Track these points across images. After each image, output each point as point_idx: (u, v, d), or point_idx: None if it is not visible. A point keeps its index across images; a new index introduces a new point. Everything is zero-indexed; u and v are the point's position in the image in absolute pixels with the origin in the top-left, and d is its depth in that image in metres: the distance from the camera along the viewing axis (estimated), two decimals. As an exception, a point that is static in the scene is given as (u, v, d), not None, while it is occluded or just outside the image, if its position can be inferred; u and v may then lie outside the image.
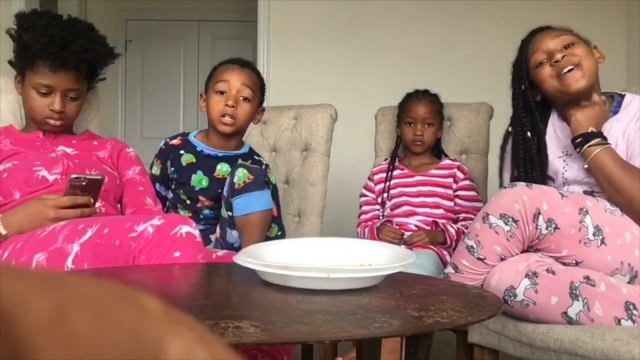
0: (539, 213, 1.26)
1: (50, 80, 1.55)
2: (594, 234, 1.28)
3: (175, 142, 1.76)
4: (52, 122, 1.58)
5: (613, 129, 1.44)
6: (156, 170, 1.76)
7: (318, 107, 2.09)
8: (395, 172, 2.00)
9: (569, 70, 1.44)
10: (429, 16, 3.27)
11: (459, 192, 1.94)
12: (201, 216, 1.69)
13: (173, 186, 1.73)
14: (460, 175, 1.94)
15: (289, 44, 3.29)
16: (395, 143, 2.08)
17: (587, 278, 1.24)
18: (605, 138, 1.39)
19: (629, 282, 1.30)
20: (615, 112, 1.48)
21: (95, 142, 1.69)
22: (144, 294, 0.26)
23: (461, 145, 2.09)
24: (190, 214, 1.68)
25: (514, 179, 1.57)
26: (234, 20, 4.78)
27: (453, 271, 1.35)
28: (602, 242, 1.29)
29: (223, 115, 1.65)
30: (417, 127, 1.95)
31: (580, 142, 1.40)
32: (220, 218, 1.64)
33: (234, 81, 1.66)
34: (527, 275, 1.24)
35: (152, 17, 4.86)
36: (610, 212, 1.34)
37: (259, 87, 1.72)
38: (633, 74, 3.10)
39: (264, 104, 1.82)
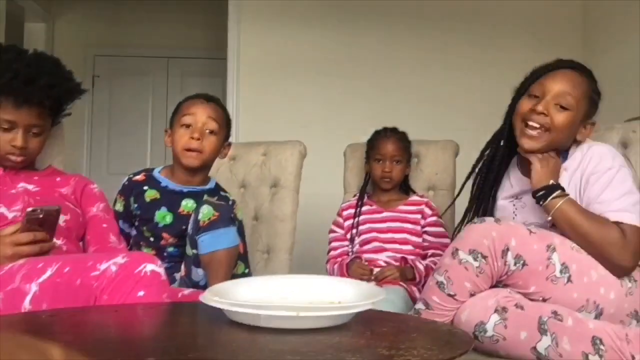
0: (508, 249, 1.27)
1: (12, 115, 1.51)
2: (561, 272, 1.30)
3: (138, 177, 1.73)
4: (13, 158, 1.54)
5: (562, 177, 1.45)
6: (119, 207, 1.72)
7: (287, 143, 2.10)
8: (364, 208, 2.01)
9: (535, 128, 1.43)
10: (398, 55, 3.35)
11: (427, 228, 1.95)
12: (165, 254, 1.65)
13: (136, 223, 1.70)
14: (428, 211, 1.96)
15: (259, 81, 3.32)
16: (364, 179, 2.09)
17: (554, 313, 1.25)
18: (564, 189, 1.40)
19: (594, 318, 1.32)
20: (564, 159, 1.49)
21: (59, 179, 1.65)
22: (47, 343, 0.26)
23: (428, 182, 2.12)
24: (154, 252, 1.64)
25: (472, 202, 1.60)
26: (204, 57, 4.81)
27: (424, 307, 1.34)
28: (569, 279, 1.30)
29: (188, 149, 1.64)
30: (386, 164, 1.97)
31: (543, 194, 1.40)
32: (185, 256, 1.61)
33: (200, 114, 1.66)
34: (496, 311, 1.25)
35: (120, 53, 4.85)
36: (577, 250, 1.36)
37: (224, 121, 1.72)
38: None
39: (232, 140, 1.81)
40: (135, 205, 1.69)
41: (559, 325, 1.24)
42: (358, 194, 2.06)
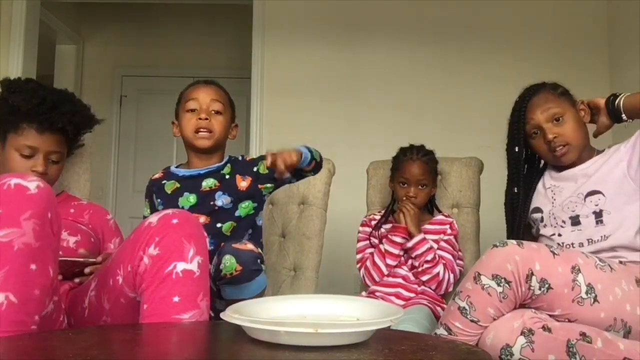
0: (532, 274, 1.25)
1: (35, 141, 1.56)
2: (586, 292, 1.28)
3: (157, 176, 1.77)
4: None
5: (599, 162, 1.60)
6: (146, 212, 1.74)
7: (316, 161, 2.09)
8: (388, 226, 1.94)
9: (561, 147, 1.60)
10: (420, 72, 3.35)
11: (441, 243, 1.88)
12: None
13: None
14: (449, 231, 1.90)
15: (282, 100, 3.35)
16: (391, 196, 2.02)
17: (583, 335, 1.22)
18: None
19: (623, 337, 1.29)
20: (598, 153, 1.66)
21: (72, 210, 1.69)
22: None
23: (453, 199, 2.09)
24: None
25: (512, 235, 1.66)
26: (228, 76, 4.86)
27: (445, 333, 1.32)
28: (595, 299, 1.28)
29: (197, 131, 1.67)
30: (411, 189, 1.88)
31: (611, 100, 1.59)
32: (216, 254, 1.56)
33: (203, 97, 1.70)
34: (522, 333, 1.23)
35: (147, 73, 4.95)
36: (601, 267, 1.34)
37: (228, 101, 1.76)
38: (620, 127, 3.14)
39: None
40: (159, 201, 1.70)
41: (588, 348, 1.21)
42: (383, 211, 2.00)
